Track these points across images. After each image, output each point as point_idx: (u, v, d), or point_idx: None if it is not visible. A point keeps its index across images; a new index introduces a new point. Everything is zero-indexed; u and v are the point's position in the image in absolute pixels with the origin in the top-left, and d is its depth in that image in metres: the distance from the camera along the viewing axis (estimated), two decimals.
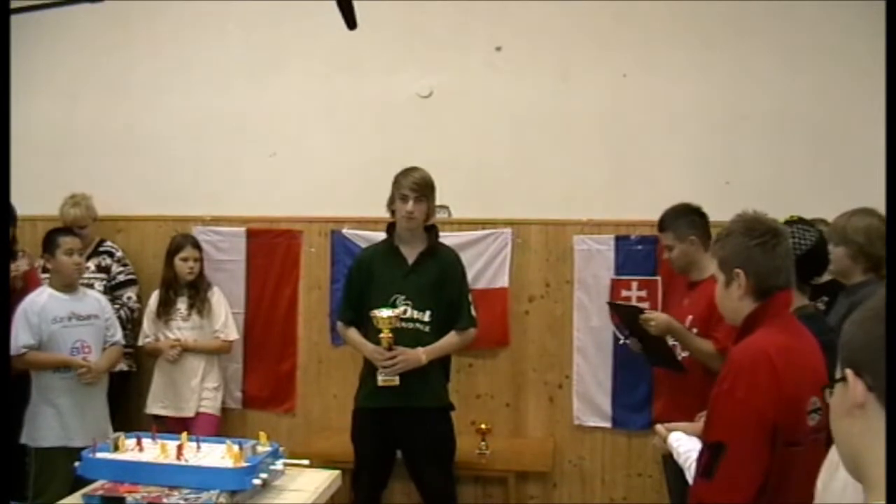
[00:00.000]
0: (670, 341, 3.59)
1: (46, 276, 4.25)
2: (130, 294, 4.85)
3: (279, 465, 2.77)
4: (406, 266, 3.80)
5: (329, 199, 4.93)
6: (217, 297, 4.72)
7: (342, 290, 4.20)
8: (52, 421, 3.96)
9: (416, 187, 3.71)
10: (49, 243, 4.09)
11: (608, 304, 4.48)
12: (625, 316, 3.94)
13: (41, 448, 3.93)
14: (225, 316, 4.71)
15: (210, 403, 4.62)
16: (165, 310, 4.64)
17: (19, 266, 4.27)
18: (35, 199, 4.75)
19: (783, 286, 2.25)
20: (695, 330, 3.51)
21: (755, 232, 2.24)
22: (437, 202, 3.91)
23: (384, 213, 3.88)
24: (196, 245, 4.73)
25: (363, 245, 4.51)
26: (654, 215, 4.20)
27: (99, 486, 2.61)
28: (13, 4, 3.34)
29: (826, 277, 3.58)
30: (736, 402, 2.07)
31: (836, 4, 4.47)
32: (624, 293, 4.62)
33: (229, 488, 2.54)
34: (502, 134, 4.82)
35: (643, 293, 4.59)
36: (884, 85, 3.77)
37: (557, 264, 4.76)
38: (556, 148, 4.77)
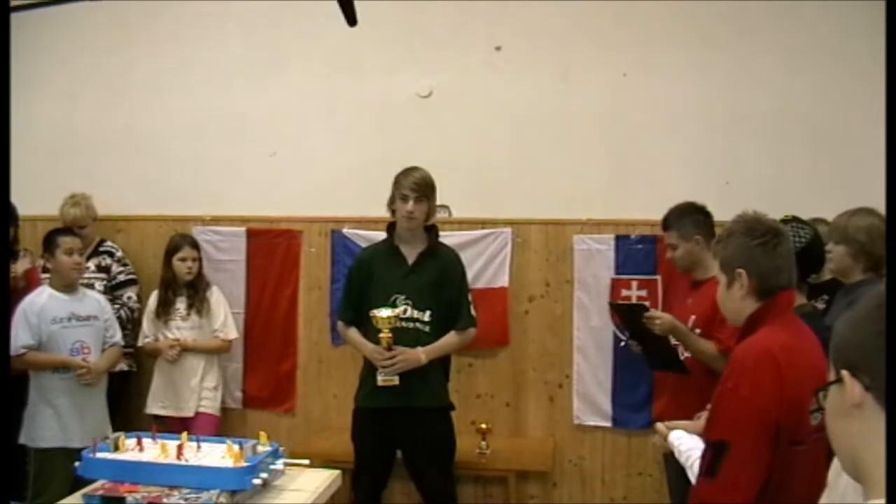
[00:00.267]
0: (672, 342, 3.58)
1: (47, 275, 4.25)
2: (130, 294, 4.85)
3: (279, 464, 2.76)
4: (406, 266, 3.79)
5: (329, 199, 4.93)
6: (216, 297, 4.72)
7: (342, 289, 4.20)
8: (52, 421, 3.95)
9: (416, 187, 3.71)
10: (49, 243, 4.09)
11: (609, 305, 4.48)
12: (627, 316, 3.92)
13: (40, 449, 3.93)
14: (224, 315, 4.70)
15: (209, 403, 4.62)
16: (165, 310, 4.64)
17: (18, 267, 4.27)
18: (35, 198, 4.75)
19: (785, 286, 2.25)
20: (697, 330, 3.50)
21: (756, 232, 2.25)
22: (438, 202, 3.91)
23: (384, 213, 3.88)
24: (194, 245, 4.73)
25: (363, 245, 4.51)
26: (654, 215, 4.20)
27: (99, 486, 2.61)
28: (13, 2, 3.34)
29: (826, 276, 3.61)
30: (739, 401, 2.07)
31: (836, 4, 4.47)
32: (624, 293, 4.62)
33: (229, 488, 2.54)
34: (502, 134, 4.82)
35: (643, 293, 4.59)
36: (884, 85, 3.78)
37: (557, 264, 4.76)
38: (556, 147, 4.77)
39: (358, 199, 4.75)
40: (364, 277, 3.85)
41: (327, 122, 4.99)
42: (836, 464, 1.60)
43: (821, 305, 3.48)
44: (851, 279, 3.17)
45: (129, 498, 2.50)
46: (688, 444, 2.34)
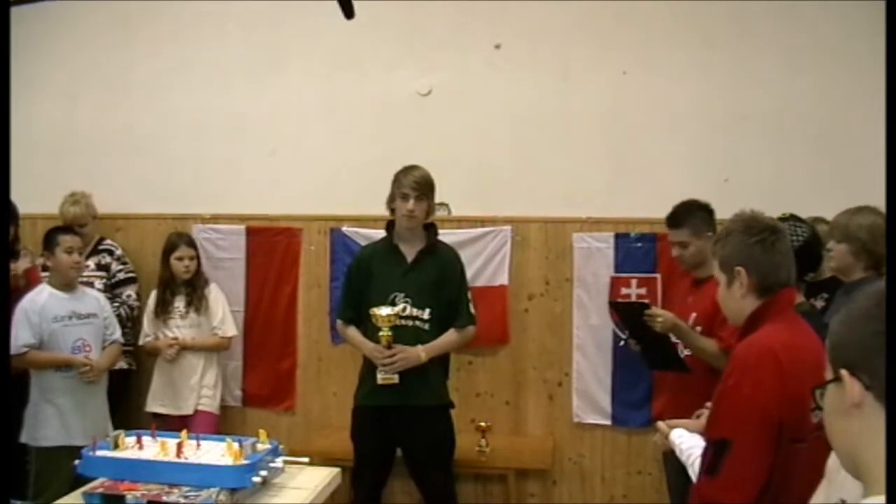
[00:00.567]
0: (672, 339, 3.57)
1: (46, 274, 4.25)
2: (130, 292, 4.85)
3: (279, 462, 2.77)
4: (405, 264, 3.80)
5: (329, 197, 4.93)
6: (214, 294, 4.72)
7: (341, 288, 4.20)
8: (53, 420, 3.96)
9: (416, 186, 3.71)
10: (49, 241, 4.09)
11: (609, 304, 4.48)
12: (627, 315, 3.90)
13: (42, 447, 3.93)
14: (222, 313, 4.70)
15: (209, 401, 4.62)
16: (163, 309, 4.64)
17: (19, 265, 4.28)
18: (35, 197, 4.75)
19: (785, 283, 2.25)
20: (698, 328, 3.49)
21: (754, 230, 2.25)
22: (437, 200, 3.92)
23: (384, 211, 3.88)
24: (191, 243, 4.72)
25: (363, 243, 4.51)
26: (654, 213, 4.21)
27: (99, 485, 2.61)
28: None
29: (826, 274, 3.61)
30: (741, 399, 2.07)
31: (837, 4, 4.47)
32: (623, 291, 4.63)
33: (229, 486, 2.54)
34: (502, 132, 4.82)
35: (643, 291, 4.59)
36: (884, 84, 3.78)
37: (557, 262, 4.76)
38: (555, 146, 4.78)
39: (357, 198, 4.75)
40: (363, 276, 3.85)
41: (327, 120, 4.99)
42: (834, 456, 1.60)
43: (820, 303, 3.48)
44: (852, 277, 3.17)
45: (129, 496, 2.50)
46: (689, 443, 2.34)
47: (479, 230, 4.79)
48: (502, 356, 4.82)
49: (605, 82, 4.74)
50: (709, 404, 2.26)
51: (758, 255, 2.23)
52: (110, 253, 4.91)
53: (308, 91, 5.00)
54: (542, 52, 4.79)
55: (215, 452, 2.77)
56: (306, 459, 2.96)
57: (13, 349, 3.87)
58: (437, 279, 3.79)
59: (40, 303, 4.00)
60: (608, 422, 4.72)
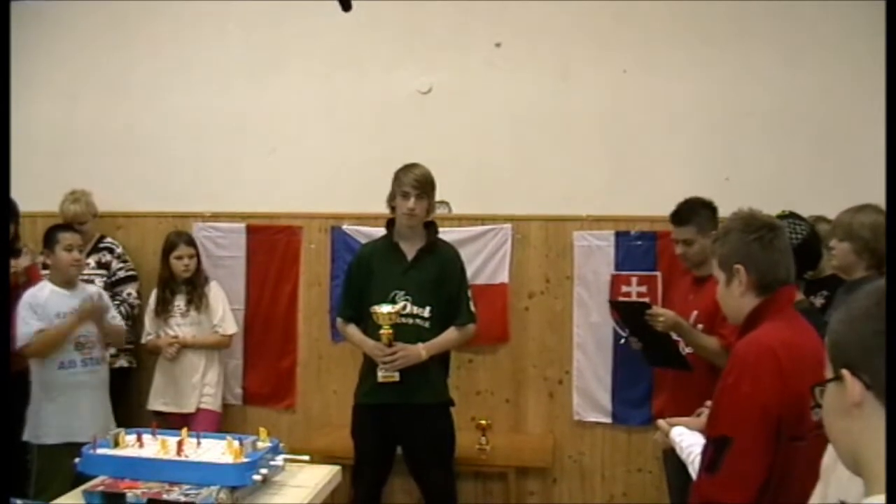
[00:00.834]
0: (673, 337, 3.57)
1: (46, 272, 4.25)
2: (130, 290, 4.86)
3: (279, 460, 2.77)
4: (405, 262, 3.80)
5: (329, 196, 4.93)
6: (214, 292, 4.72)
7: (342, 286, 4.20)
8: (56, 417, 3.95)
9: (416, 184, 3.71)
10: (48, 239, 4.08)
11: (609, 303, 4.48)
12: (628, 313, 3.90)
13: (44, 445, 3.93)
14: (222, 310, 4.71)
15: (210, 400, 4.63)
16: (164, 308, 4.65)
17: (20, 263, 4.28)
18: (35, 196, 4.75)
19: (784, 280, 2.25)
20: (700, 326, 3.49)
21: (752, 227, 2.25)
22: (438, 198, 3.91)
23: (384, 210, 3.88)
24: (190, 242, 4.72)
25: (363, 241, 4.52)
26: (654, 211, 4.21)
27: (99, 483, 2.61)
28: None
29: (826, 272, 3.61)
30: (741, 397, 2.07)
31: (837, 3, 4.46)
32: (624, 289, 4.63)
33: (229, 484, 2.54)
34: (502, 131, 4.82)
35: (643, 289, 4.60)
36: (884, 83, 3.78)
37: (557, 260, 4.76)
38: (555, 144, 4.78)
39: (358, 196, 4.76)
40: (363, 274, 3.85)
41: (327, 119, 4.99)
42: (829, 453, 1.60)
43: (819, 301, 3.48)
44: (854, 276, 3.17)
45: (129, 494, 2.50)
46: (689, 441, 2.34)
47: (480, 228, 4.79)
48: (503, 354, 4.82)
49: (605, 81, 4.74)
50: (709, 403, 2.26)
51: (757, 253, 2.23)
52: (111, 251, 4.91)
53: (308, 90, 5.00)
54: (542, 51, 4.79)
55: (216, 450, 2.77)
56: (307, 457, 2.95)
57: (25, 338, 3.88)
58: (438, 277, 3.79)
59: (42, 298, 4.01)
60: (608, 420, 4.72)
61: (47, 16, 5.17)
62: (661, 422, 2.51)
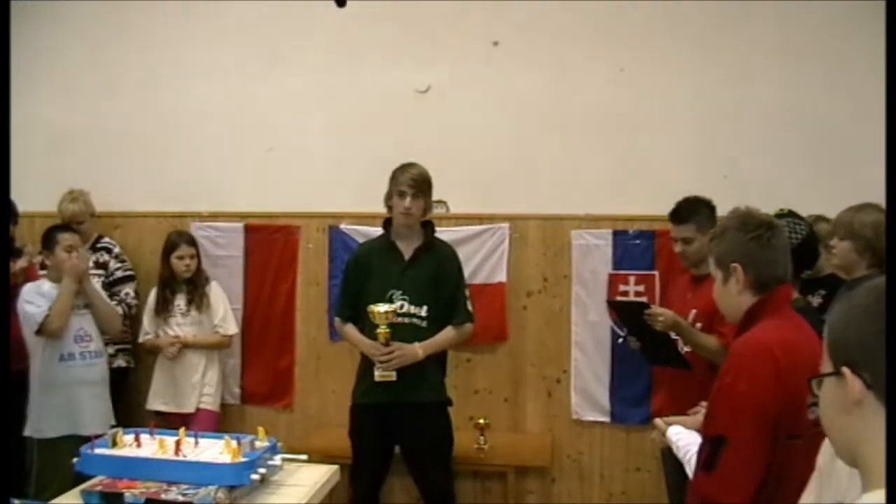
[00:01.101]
0: (672, 336, 3.57)
1: (44, 272, 4.24)
2: (128, 290, 4.85)
3: (277, 460, 2.77)
4: (403, 261, 3.79)
5: (327, 195, 4.92)
6: (215, 293, 4.72)
7: (339, 285, 4.20)
8: (58, 410, 3.97)
9: (413, 183, 3.71)
10: (48, 240, 4.09)
11: (608, 303, 4.48)
12: (626, 313, 3.90)
13: (46, 439, 3.93)
14: (223, 311, 4.71)
15: (210, 399, 4.63)
16: (164, 307, 4.65)
17: (18, 263, 4.28)
18: (33, 195, 4.75)
19: (782, 279, 2.25)
20: (698, 325, 3.49)
21: (749, 226, 2.25)
22: (435, 197, 3.90)
23: (382, 209, 3.88)
24: (191, 242, 4.72)
25: (361, 241, 4.52)
26: (652, 210, 4.21)
27: (97, 483, 2.62)
28: None
29: (825, 271, 3.61)
30: (737, 396, 2.07)
31: (836, 2, 4.45)
32: (622, 288, 4.63)
33: (227, 483, 2.54)
34: (500, 129, 4.82)
35: (641, 288, 4.60)
36: (883, 79, 3.78)
37: (555, 259, 4.76)
38: (553, 143, 4.77)
39: (355, 195, 4.75)
40: (361, 273, 3.84)
41: (325, 118, 4.99)
42: (825, 448, 1.60)
43: (817, 300, 3.48)
44: (855, 275, 3.16)
45: (128, 494, 2.51)
46: (686, 440, 2.34)
47: (478, 227, 4.79)
48: (501, 353, 4.82)
49: (602, 79, 4.73)
50: (705, 403, 2.26)
51: (754, 252, 2.23)
52: (108, 251, 4.91)
53: (306, 89, 5.00)
54: (539, 49, 4.79)
55: (214, 450, 2.77)
56: (305, 457, 2.96)
57: (40, 315, 3.91)
58: (435, 276, 3.78)
59: (44, 290, 4.02)
60: (607, 419, 4.72)
61: (45, 14, 5.16)
62: (658, 420, 2.52)
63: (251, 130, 5.06)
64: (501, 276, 4.77)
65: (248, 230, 5.05)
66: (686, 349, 3.54)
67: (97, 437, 2.90)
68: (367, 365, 3.75)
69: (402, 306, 3.71)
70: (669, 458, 2.83)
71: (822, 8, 4.49)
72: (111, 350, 4.58)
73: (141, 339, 4.73)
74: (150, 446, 2.80)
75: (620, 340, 4.45)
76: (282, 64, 5.03)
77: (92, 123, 5.20)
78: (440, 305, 3.78)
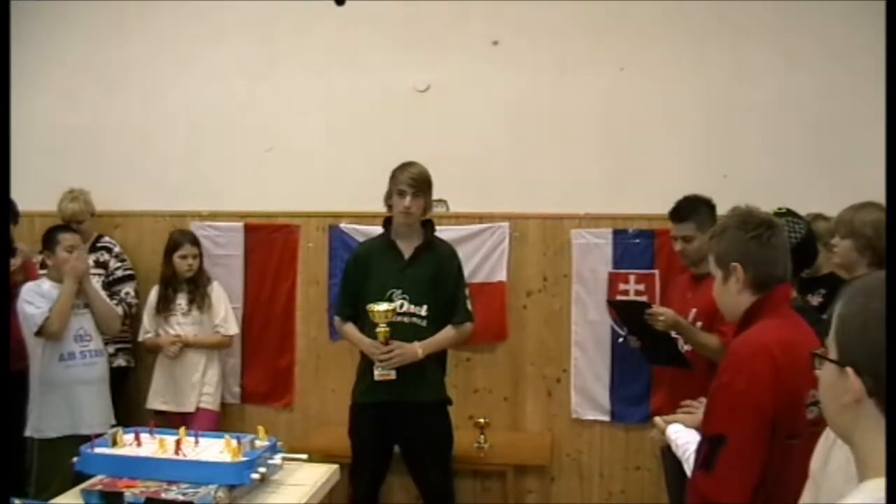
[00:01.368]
0: (673, 335, 3.57)
1: (44, 271, 4.24)
2: (128, 289, 4.86)
3: (277, 459, 2.77)
4: (402, 260, 3.79)
5: (326, 194, 4.92)
6: (217, 293, 4.72)
7: (339, 284, 4.20)
8: (59, 410, 3.97)
9: (413, 183, 3.71)
10: (49, 240, 4.09)
11: (608, 303, 4.48)
12: (626, 313, 3.90)
13: (46, 439, 3.94)
14: (224, 311, 4.71)
15: (210, 399, 4.63)
16: (165, 306, 4.65)
17: (14, 262, 4.28)
18: (32, 195, 4.75)
19: (781, 278, 2.25)
20: (699, 323, 3.49)
21: (749, 225, 2.25)
22: (435, 196, 3.90)
23: (382, 208, 3.88)
24: (194, 242, 4.73)
25: (361, 240, 4.52)
26: (652, 209, 4.21)
27: (97, 482, 2.62)
28: None
29: (824, 270, 3.61)
30: (736, 395, 2.07)
31: (834, 1, 4.45)
32: (622, 287, 4.63)
33: (227, 483, 2.54)
34: (500, 128, 4.82)
35: (641, 287, 4.60)
36: (882, 78, 3.77)
37: (555, 258, 4.76)
38: (553, 142, 4.77)
39: (355, 194, 4.75)
40: (361, 272, 3.84)
41: (325, 117, 4.99)
42: (818, 454, 1.60)
43: (817, 300, 3.48)
44: (855, 274, 3.16)
45: (128, 493, 2.51)
46: (685, 438, 2.34)
47: (477, 226, 4.79)
48: (500, 352, 4.82)
49: (602, 79, 4.73)
50: (702, 399, 2.26)
51: (754, 251, 2.23)
52: (108, 250, 4.91)
53: (306, 88, 5.00)
54: (539, 48, 4.79)
55: (214, 449, 2.77)
56: (304, 456, 2.96)
57: (41, 317, 3.91)
58: (434, 275, 3.78)
59: (44, 289, 4.03)
60: (607, 418, 4.72)
61: (45, 14, 5.16)
62: (657, 419, 2.52)
63: (251, 129, 5.06)
64: (501, 276, 4.77)
65: (248, 229, 5.04)
66: (686, 348, 3.54)
67: (97, 436, 2.90)
68: (366, 364, 3.75)
69: (401, 305, 3.71)
70: (669, 456, 2.83)
71: (821, 8, 4.49)
72: (111, 349, 4.58)
73: (141, 338, 4.73)
74: (150, 445, 2.80)
75: (621, 340, 4.45)
76: (281, 64, 5.03)
77: (92, 123, 5.20)
78: (440, 305, 3.78)
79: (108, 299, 4.36)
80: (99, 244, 4.91)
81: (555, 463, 4.74)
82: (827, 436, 1.64)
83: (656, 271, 4.59)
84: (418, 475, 3.90)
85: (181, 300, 4.65)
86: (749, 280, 2.23)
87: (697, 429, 2.30)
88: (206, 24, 5.11)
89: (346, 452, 3.89)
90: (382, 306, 3.62)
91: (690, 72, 4.64)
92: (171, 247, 4.68)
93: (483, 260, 4.75)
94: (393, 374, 3.64)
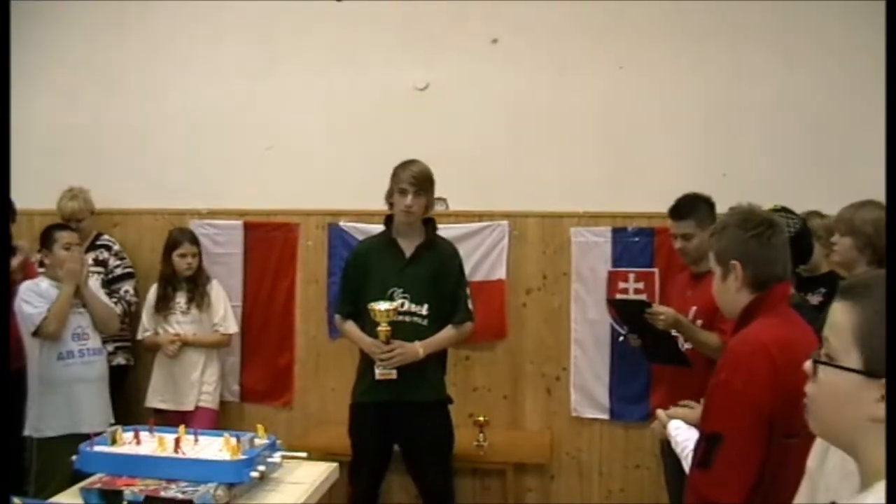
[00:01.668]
0: (673, 333, 3.57)
1: (42, 270, 4.24)
2: (128, 288, 4.86)
3: (277, 457, 2.76)
4: (403, 259, 3.78)
5: (326, 192, 4.92)
6: (216, 291, 4.72)
7: (339, 283, 4.20)
8: (58, 409, 3.97)
9: (414, 181, 3.70)
10: (47, 239, 4.09)
11: (607, 301, 4.48)
12: (626, 311, 3.90)
13: (45, 438, 3.94)
14: (224, 310, 4.71)
15: (209, 398, 4.64)
16: (164, 304, 4.65)
17: (13, 262, 4.28)
18: (32, 193, 4.76)
19: (780, 277, 2.26)
20: (699, 322, 3.49)
21: (750, 224, 2.25)
22: (435, 195, 3.90)
23: (382, 206, 3.87)
24: (194, 240, 4.73)
25: (360, 238, 4.51)
26: (651, 207, 4.21)
27: (96, 480, 2.61)
28: None
29: (824, 269, 3.61)
30: (733, 393, 2.07)
31: (834, 1, 4.45)
32: (621, 285, 4.63)
33: (227, 481, 2.53)
34: (499, 127, 4.82)
35: (640, 285, 4.60)
36: (882, 77, 3.78)
37: (555, 256, 4.76)
38: (552, 140, 4.77)
39: (355, 193, 4.75)
40: (361, 270, 3.83)
41: (324, 116, 4.99)
42: (814, 452, 1.60)
43: (817, 298, 3.48)
44: (854, 272, 3.17)
45: (127, 491, 2.50)
46: (684, 436, 2.35)
47: (477, 225, 4.79)
48: (500, 351, 4.82)
49: (601, 77, 4.73)
50: (703, 400, 2.26)
51: (753, 250, 2.23)
52: (108, 248, 4.91)
53: (305, 87, 5.00)
54: (538, 47, 4.79)
55: (213, 447, 2.76)
56: (304, 454, 2.96)
57: (38, 317, 3.91)
58: (435, 274, 3.77)
59: (42, 288, 4.03)
60: (606, 416, 4.72)
61: (45, 13, 5.16)
62: (660, 412, 2.53)
63: (250, 128, 5.06)
64: (501, 274, 4.77)
65: (247, 228, 5.05)
66: (687, 346, 3.54)
67: (96, 434, 2.89)
68: (367, 363, 3.75)
69: (402, 304, 3.70)
70: (669, 453, 2.84)
71: (820, 8, 4.49)
72: (110, 348, 4.58)
73: (140, 336, 4.73)
74: (150, 444, 2.79)
75: (620, 339, 4.45)
76: (281, 62, 5.03)
77: (92, 122, 5.20)
78: (441, 304, 3.77)
79: (106, 299, 4.35)
80: (98, 242, 4.92)
81: (554, 461, 4.75)
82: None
83: (656, 269, 4.59)
84: (418, 475, 3.90)
85: (180, 299, 4.65)
86: (748, 278, 2.23)
87: (697, 426, 2.30)
88: (205, 23, 5.11)
89: (345, 451, 3.89)
90: (384, 305, 3.61)
91: (689, 71, 4.64)
92: (171, 245, 4.68)
93: (482, 258, 4.76)
94: (394, 374, 3.64)
